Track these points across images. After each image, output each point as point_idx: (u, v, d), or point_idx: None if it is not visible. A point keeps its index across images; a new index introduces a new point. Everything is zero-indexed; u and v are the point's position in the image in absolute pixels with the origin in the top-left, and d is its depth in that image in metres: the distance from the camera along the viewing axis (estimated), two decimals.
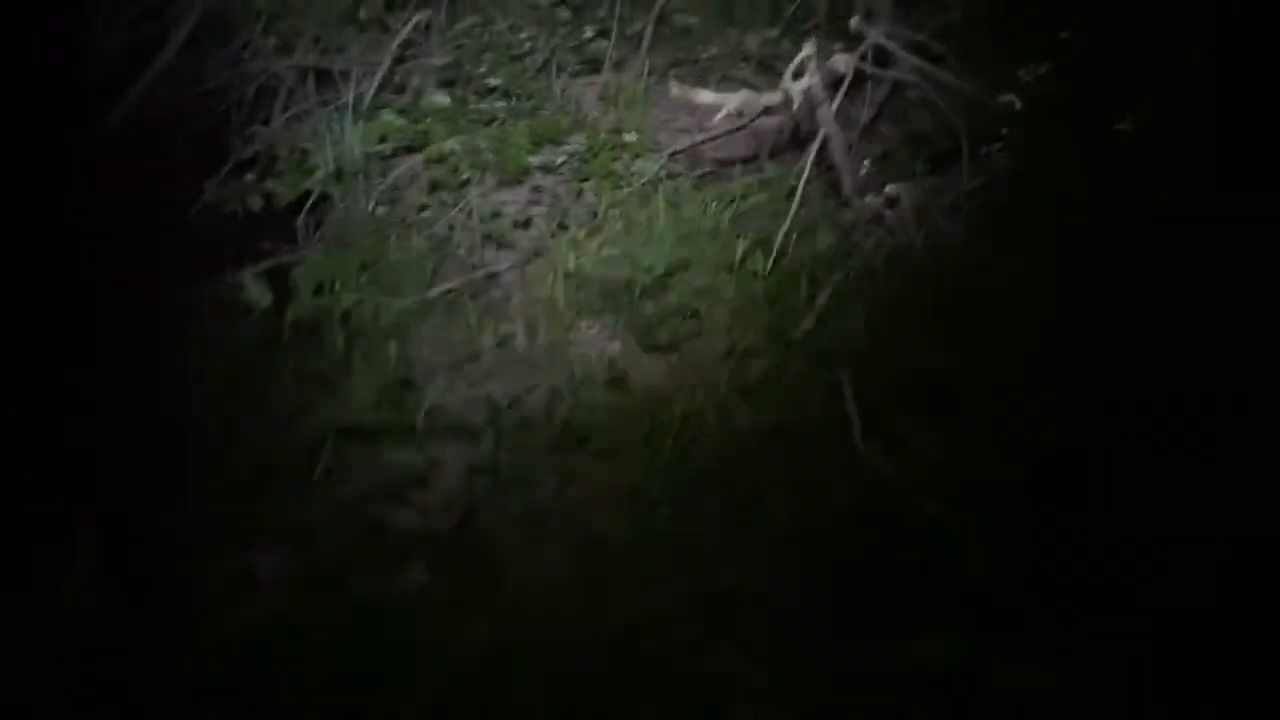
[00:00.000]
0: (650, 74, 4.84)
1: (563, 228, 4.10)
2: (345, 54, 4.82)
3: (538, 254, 4.02)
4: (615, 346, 3.72)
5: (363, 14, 4.89)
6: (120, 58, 4.59)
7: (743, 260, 3.89)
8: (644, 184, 4.19)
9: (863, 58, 4.24)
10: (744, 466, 3.25)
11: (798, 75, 4.17)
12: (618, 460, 3.32)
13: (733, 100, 4.18)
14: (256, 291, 3.90)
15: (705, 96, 4.35)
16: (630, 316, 3.74)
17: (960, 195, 3.96)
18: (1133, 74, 3.93)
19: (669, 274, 3.84)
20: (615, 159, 4.31)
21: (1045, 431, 3.17)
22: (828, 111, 4.14)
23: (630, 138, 4.40)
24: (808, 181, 3.95)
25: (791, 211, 3.87)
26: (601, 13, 4.88)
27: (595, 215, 4.14)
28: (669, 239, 3.91)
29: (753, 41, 5.00)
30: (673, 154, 4.40)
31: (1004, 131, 4.02)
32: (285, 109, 4.59)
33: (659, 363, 3.65)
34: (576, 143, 4.35)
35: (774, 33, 4.94)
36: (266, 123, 4.59)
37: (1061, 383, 3.28)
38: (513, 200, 4.23)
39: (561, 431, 3.46)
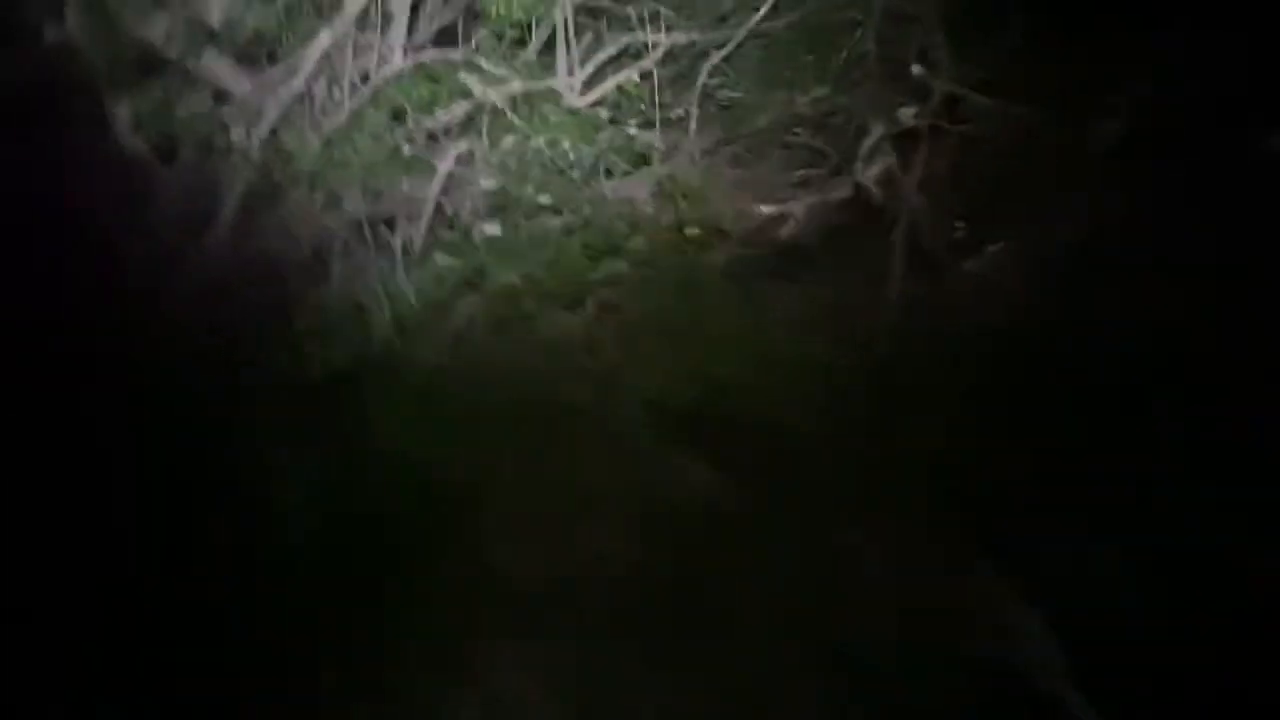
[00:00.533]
0: (703, 156, 4.52)
1: (633, 348, 3.80)
2: (394, 195, 4.64)
3: (609, 382, 3.72)
4: (702, 477, 3.35)
5: (406, 151, 4.72)
6: (173, 234, 4.46)
7: (830, 369, 3.49)
8: (715, 282, 3.83)
9: (934, 111, 3.82)
10: None
11: (869, 158, 3.77)
12: None
13: (798, 208, 3.82)
14: None
15: (768, 209, 4.00)
16: (711, 444, 3.37)
17: (1070, 250, 3.48)
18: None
19: (752, 388, 3.47)
20: (680, 256, 4.00)
21: None
22: (909, 183, 3.73)
23: (693, 232, 4.09)
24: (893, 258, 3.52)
25: (886, 298, 3.45)
26: (641, 105, 4.60)
27: (666, 326, 3.80)
28: (748, 345, 3.55)
29: (804, 103, 4.69)
30: (742, 243, 4.05)
31: (1104, 165, 3.53)
32: (342, 265, 4.40)
33: (750, 491, 3.27)
34: (637, 247, 4.06)
35: (824, 90, 4.60)
36: (325, 281, 4.40)
37: None
38: (578, 323, 3.95)
39: None
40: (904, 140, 3.74)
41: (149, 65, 4.91)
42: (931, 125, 3.72)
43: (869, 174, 3.73)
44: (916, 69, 3.88)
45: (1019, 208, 3.68)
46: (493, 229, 4.20)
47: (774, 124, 4.52)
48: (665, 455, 3.37)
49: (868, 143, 3.70)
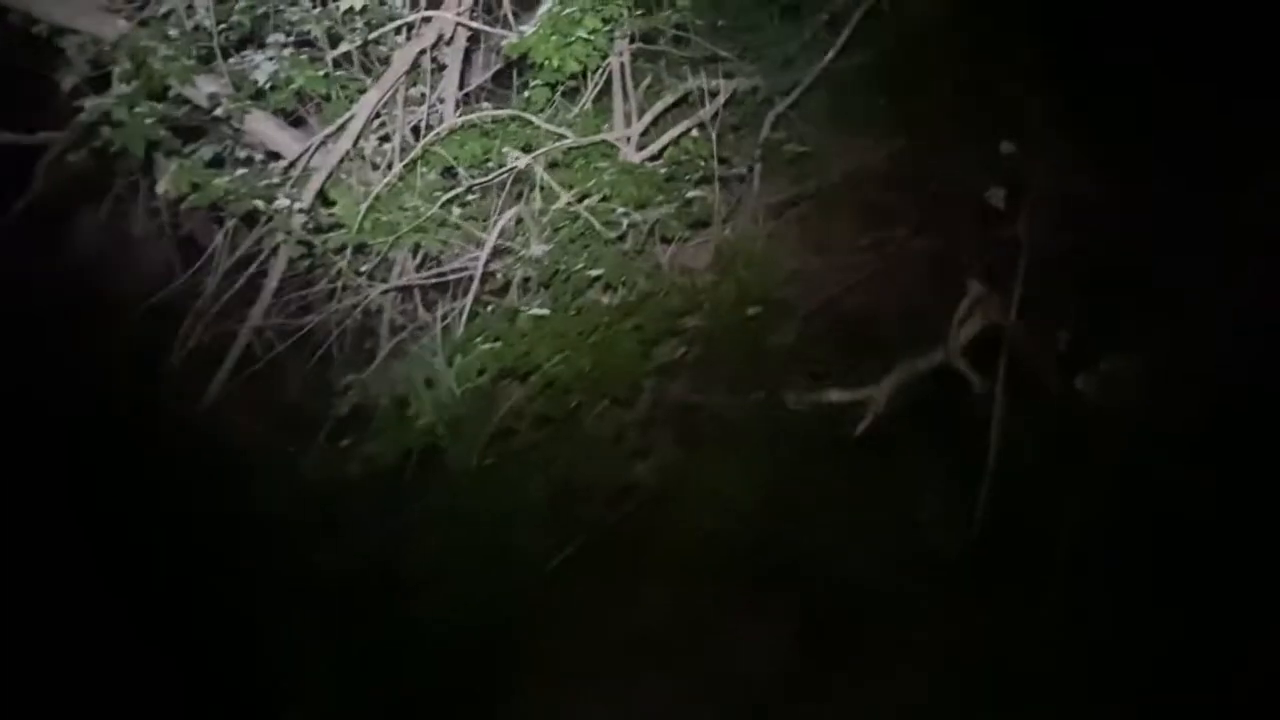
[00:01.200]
0: (767, 215, 4.17)
1: (693, 453, 3.46)
2: (442, 261, 4.39)
3: (664, 499, 3.39)
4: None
5: (456, 213, 4.46)
6: (214, 314, 4.29)
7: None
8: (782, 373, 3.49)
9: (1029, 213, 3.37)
10: None
11: (963, 321, 3.32)
12: None
13: (882, 393, 3.39)
14: None
15: (836, 395, 3.58)
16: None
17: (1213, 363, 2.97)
18: None
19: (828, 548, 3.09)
20: (743, 336, 3.64)
21: None
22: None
23: (755, 310, 3.73)
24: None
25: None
26: (700, 158, 4.26)
27: (730, 434, 3.46)
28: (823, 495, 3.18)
29: (877, 156, 4.27)
30: (808, 317, 3.69)
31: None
32: (387, 344, 4.16)
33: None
34: (695, 326, 3.72)
35: (900, 140, 4.19)
36: (368, 363, 4.17)
37: None
38: (632, 422, 3.62)
39: None
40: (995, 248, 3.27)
41: (194, 129, 4.70)
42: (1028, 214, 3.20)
43: (965, 335, 3.21)
44: (1005, 145, 3.40)
45: (1146, 309, 3.06)
46: (540, 309, 3.86)
47: (846, 180, 4.08)
48: (729, 603, 2.98)
49: (964, 303, 3.20)
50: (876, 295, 3.59)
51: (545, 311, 3.88)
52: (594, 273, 4.02)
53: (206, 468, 3.71)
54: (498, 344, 3.83)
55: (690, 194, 4.19)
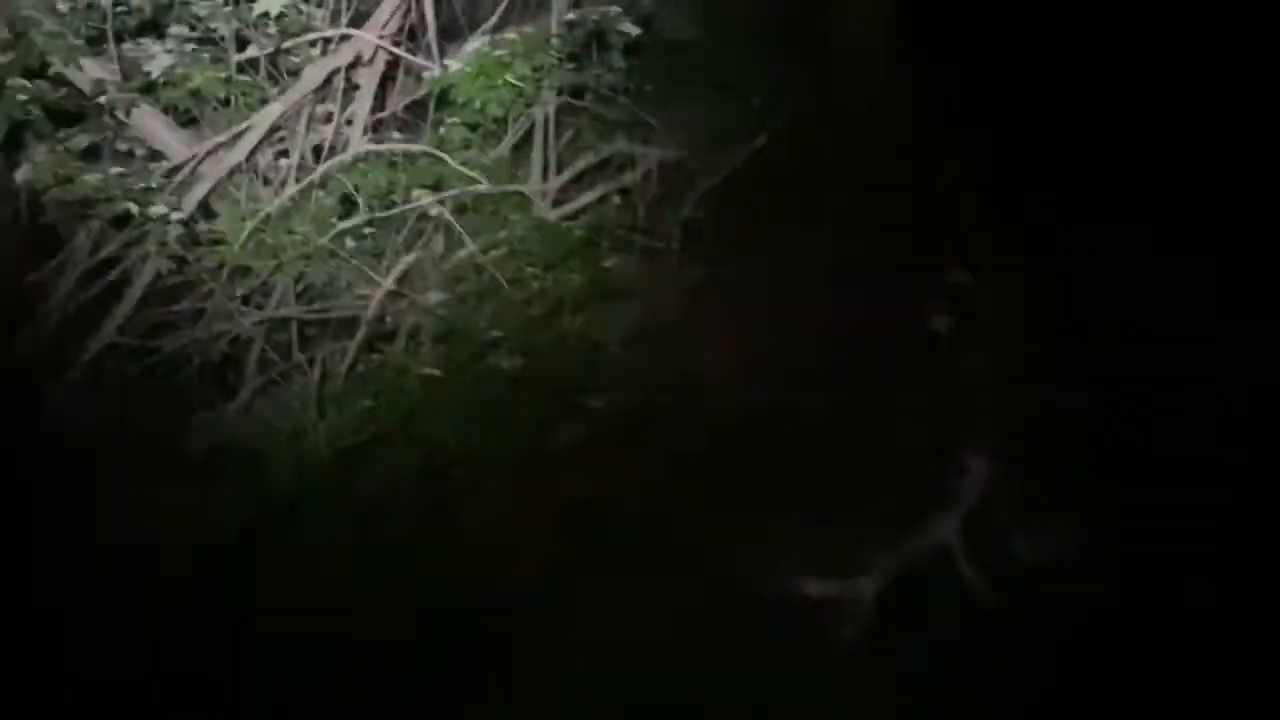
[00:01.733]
0: (688, 295, 3.97)
1: (586, 568, 3.18)
2: (327, 297, 4.02)
3: (545, 618, 3.09)
4: None
5: (350, 245, 4.11)
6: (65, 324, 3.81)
7: None
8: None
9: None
10: None
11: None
12: None
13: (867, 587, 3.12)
14: None
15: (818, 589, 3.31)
16: None
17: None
18: None
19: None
20: (655, 426, 3.41)
21: None
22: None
23: (665, 401, 3.52)
24: None
25: None
26: (620, 226, 4.07)
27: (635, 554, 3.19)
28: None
29: (804, 248, 4.15)
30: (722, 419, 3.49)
31: None
32: (253, 381, 3.76)
33: None
34: (601, 409, 3.48)
35: (829, 237, 4.09)
36: (228, 400, 3.75)
37: None
38: (518, 516, 3.32)
39: None
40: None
41: (72, 114, 4.23)
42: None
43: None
44: (960, 276, 3.28)
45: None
46: (430, 367, 3.54)
47: (770, 268, 3.92)
48: None
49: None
50: (797, 408, 3.38)
51: (437, 373, 3.54)
52: (494, 334, 3.71)
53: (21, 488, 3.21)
54: (379, 401, 3.45)
55: (605, 262, 3.92)
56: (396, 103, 5.02)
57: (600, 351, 3.73)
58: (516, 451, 3.18)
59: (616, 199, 4.24)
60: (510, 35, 4.27)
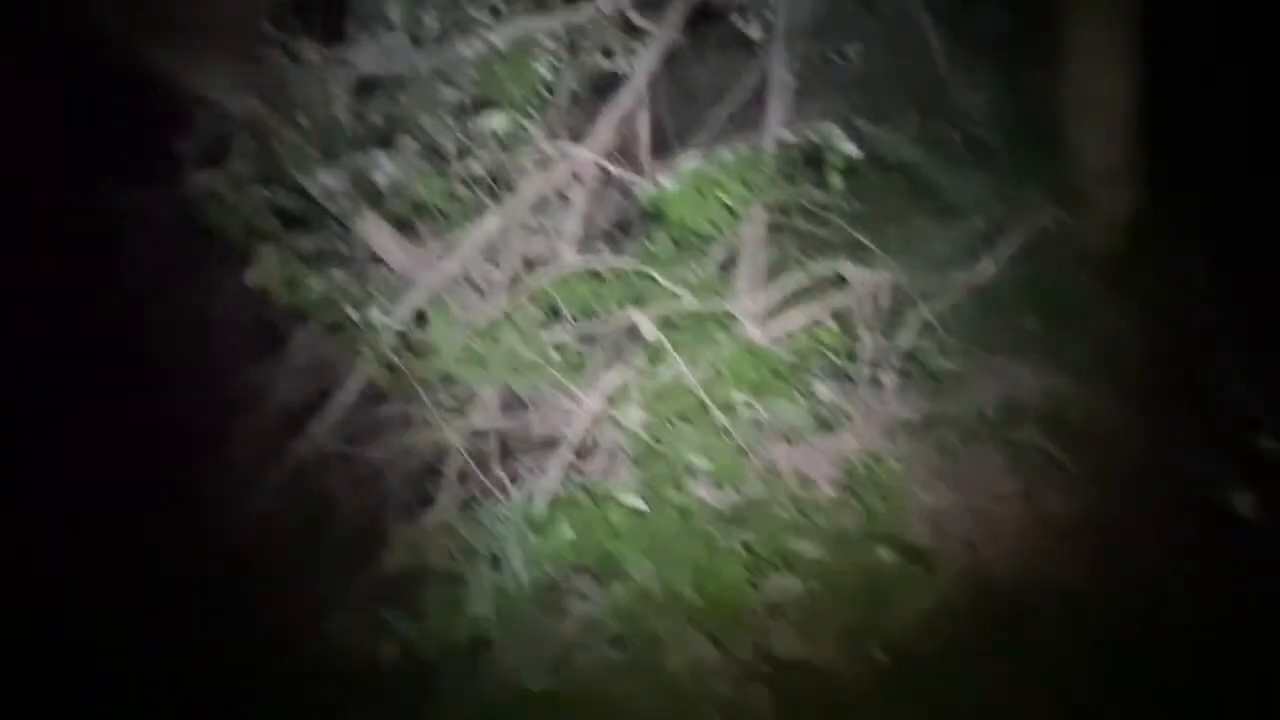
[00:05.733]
0: (903, 433, 3.65)
1: None
2: (532, 410, 3.92)
3: None
4: None
5: (553, 358, 4.01)
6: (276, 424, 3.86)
7: None
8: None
9: None
10: None
11: None
12: None
13: None
14: None
15: None
16: None
17: None
18: None
19: None
20: (874, 585, 3.06)
21: None
22: None
23: (889, 556, 3.17)
24: None
25: None
26: (831, 351, 3.79)
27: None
28: None
29: (1031, 387, 3.75)
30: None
31: None
32: (452, 495, 3.67)
33: None
34: (813, 559, 3.15)
35: (1061, 379, 3.68)
36: (424, 506, 3.67)
37: None
38: (724, 672, 3.01)
39: None
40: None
41: (301, 219, 4.40)
42: None
43: None
44: (1268, 443, 2.82)
45: None
46: (634, 499, 3.32)
47: (996, 412, 3.55)
48: None
49: None
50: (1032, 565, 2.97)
51: (643, 506, 3.32)
52: (701, 464, 3.47)
53: (219, 597, 3.18)
54: (580, 533, 3.26)
55: (817, 390, 3.65)
56: (605, 216, 4.98)
57: (810, 488, 3.41)
58: (722, 602, 2.87)
59: (830, 323, 3.97)
60: (723, 152, 4.15)
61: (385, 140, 4.51)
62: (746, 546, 3.15)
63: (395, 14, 3.97)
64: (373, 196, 4.33)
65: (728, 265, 4.56)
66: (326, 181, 4.34)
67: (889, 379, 3.91)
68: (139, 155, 4.39)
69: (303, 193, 4.33)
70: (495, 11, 4.21)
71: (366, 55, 4.13)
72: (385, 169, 4.38)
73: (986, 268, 4.19)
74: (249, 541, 3.63)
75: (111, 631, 3.16)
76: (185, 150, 4.10)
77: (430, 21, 4.05)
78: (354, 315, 3.85)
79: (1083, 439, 3.31)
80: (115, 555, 3.39)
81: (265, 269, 3.77)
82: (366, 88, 4.38)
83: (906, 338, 3.95)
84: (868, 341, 3.83)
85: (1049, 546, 3.11)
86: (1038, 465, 3.42)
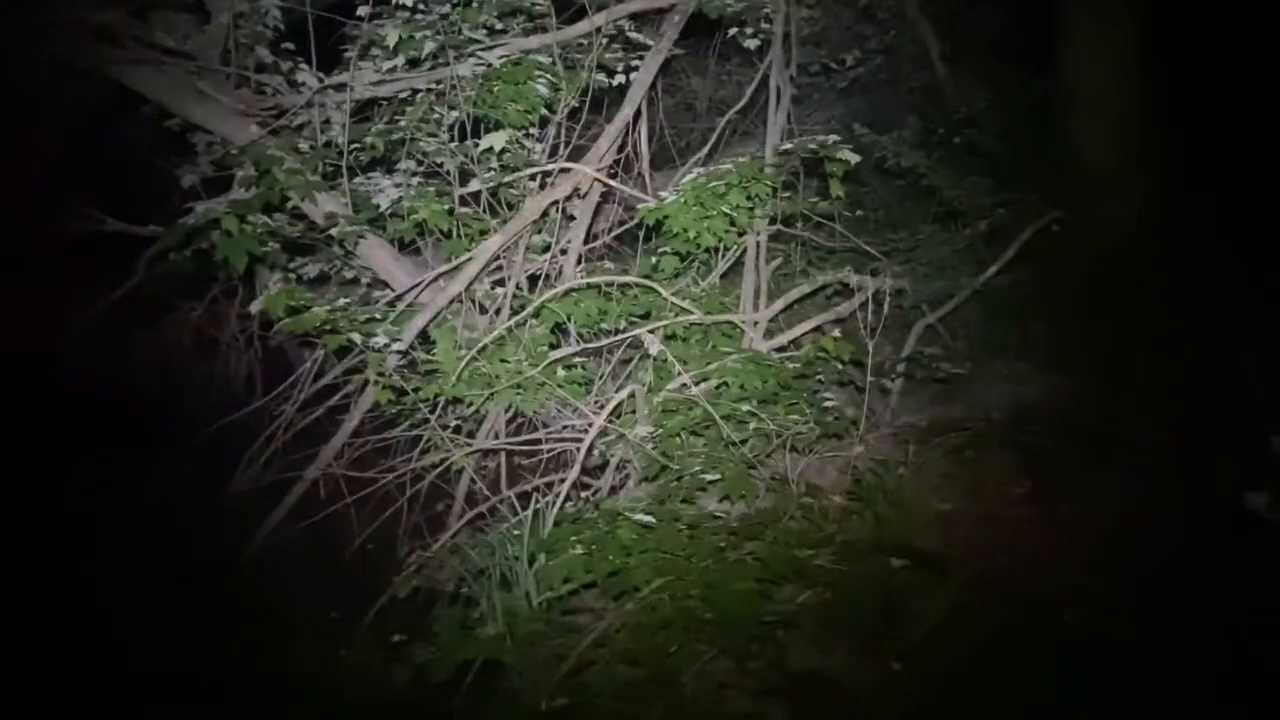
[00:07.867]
0: (909, 436, 3.63)
1: None
2: (536, 428, 3.92)
3: None
4: None
5: (559, 374, 4.00)
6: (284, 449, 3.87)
7: None
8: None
9: None
10: None
11: None
12: None
13: None
14: None
15: None
16: None
17: None
18: None
19: None
20: (884, 591, 3.04)
21: None
22: None
23: (899, 562, 3.15)
24: None
25: None
26: (837, 359, 3.78)
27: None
28: None
29: (1038, 389, 3.75)
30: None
31: None
32: (461, 516, 3.66)
33: None
34: (825, 561, 3.13)
35: (1067, 379, 3.66)
36: (436, 528, 3.67)
37: None
38: (738, 684, 2.99)
39: None
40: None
41: (304, 245, 4.40)
42: None
43: None
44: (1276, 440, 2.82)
45: None
46: (644, 512, 3.31)
47: (1003, 413, 3.52)
48: None
49: None
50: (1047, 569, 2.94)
51: (651, 520, 3.30)
52: (709, 477, 3.45)
53: (231, 622, 3.18)
54: (591, 550, 3.24)
55: (824, 399, 3.63)
56: (607, 230, 4.97)
57: (819, 497, 3.39)
58: (736, 613, 2.85)
59: (834, 330, 3.95)
60: (723, 164, 4.15)
61: (386, 163, 4.50)
62: (756, 558, 3.11)
63: (392, 37, 3.96)
64: (374, 220, 4.31)
65: (730, 275, 4.54)
66: (327, 206, 4.32)
67: (895, 385, 3.87)
68: (138, 186, 4.40)
69: (304, 219, 4.32)
70: (492, 31, 4.21)
71: (364, 79, 4.12)
72: (386, 191, 4.36)
73: (990, 271, 4.16)
74: (259, 566, 3.61)
75: (119, 658, 3.14)
76: (186, 179, 4.08)
77: (427, 43, 4.04)
78: (358, 339, 3.82)
79: (1094, 440, 3.26)
80: (123, 582, 3.36)
81: (272, 298, 3.76)
82: (365, 111, 4.38)
83: (911, 343, 3.91)
84: (873, 348, 3.79)
85: (1064, 550, 3.06)
86: (1049, 468, 3.37)
